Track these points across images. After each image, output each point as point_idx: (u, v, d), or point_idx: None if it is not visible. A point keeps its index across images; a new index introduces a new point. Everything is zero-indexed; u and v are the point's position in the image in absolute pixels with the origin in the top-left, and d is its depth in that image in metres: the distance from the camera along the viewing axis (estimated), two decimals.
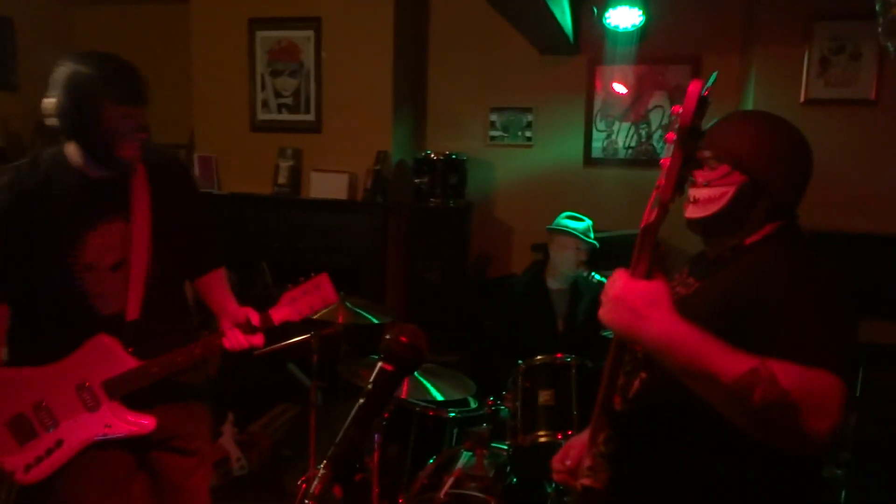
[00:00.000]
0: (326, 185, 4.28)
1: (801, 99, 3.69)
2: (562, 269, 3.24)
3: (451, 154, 4.24)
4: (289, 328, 3.19)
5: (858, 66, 3.61)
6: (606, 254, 3.55)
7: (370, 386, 1.09)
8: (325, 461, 1.10)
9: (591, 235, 3.24)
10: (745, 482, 1.30)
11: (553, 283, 3.30)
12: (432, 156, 4.22)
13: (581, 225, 3.22)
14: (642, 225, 1.19)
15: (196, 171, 4.55)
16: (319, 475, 1.09)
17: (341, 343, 3.27)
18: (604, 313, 1.22)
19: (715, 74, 1.25)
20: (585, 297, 3.25)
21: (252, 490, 3.48)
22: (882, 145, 3.64)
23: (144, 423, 1.85)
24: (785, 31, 3.74)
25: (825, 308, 1.22)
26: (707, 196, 1.40)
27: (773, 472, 1.28)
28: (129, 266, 1.84)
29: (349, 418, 1.11)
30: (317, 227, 4.27)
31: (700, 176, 1.41)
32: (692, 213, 1.43)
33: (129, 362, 1.82)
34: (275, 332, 2.10)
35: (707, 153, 1.41)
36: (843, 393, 1.10)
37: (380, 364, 1.12)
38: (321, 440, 2.74)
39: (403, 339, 1.10)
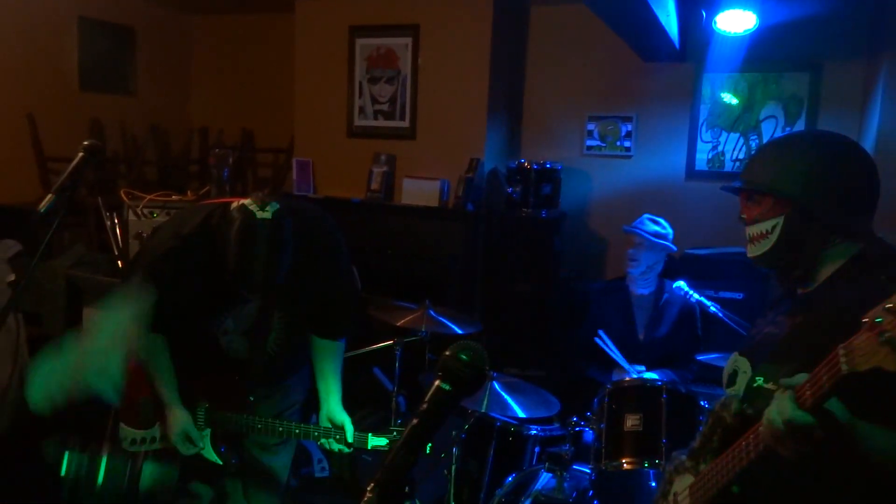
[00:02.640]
0: (418, 192, 4.28)
1: None
2: (631, 271, 3.10)
3: (544, 163, 4.14)
4: (377, 333, 3.21)
5: None
6: (711, 272, 3.37)
7: (425, 405, 1.02)
8: (371, 484, 1.05)
9: (666, 241, 3.08)
10: None
11: (635, 289, 3.15)
12: (525, 164, 4.14)
13: (653, 226, 3.08)
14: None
15: (294, 174, 4.67)
16: (366, 499, 1.04)
17: (425, 352, 3.25)
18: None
19: None
20: (672, 305, 3.07)
21: (332, 492, 3.50)
22: None
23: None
24: None
25: None
26: (759, 233, 1.40)
27: None
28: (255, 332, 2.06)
29: (401, 438, 1.05)
30: (407, 234, 4.28)
31: (747, 213, 1.42)
32: (751, 252, 1.44)
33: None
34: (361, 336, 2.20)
35: (748, 187, 1.41)
36: None
37: (437, 382, 1.05)
38: None
39: (463, 356, 1.03)
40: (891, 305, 0.96)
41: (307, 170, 4.67)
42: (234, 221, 1.79)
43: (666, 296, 3.10)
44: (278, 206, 1.82)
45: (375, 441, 2.05)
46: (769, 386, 1.31)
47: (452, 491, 2.61)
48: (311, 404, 2.32)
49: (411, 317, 3.07)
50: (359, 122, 4.55)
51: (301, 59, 4.70)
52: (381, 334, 3.14)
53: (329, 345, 2.19)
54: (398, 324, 3.05)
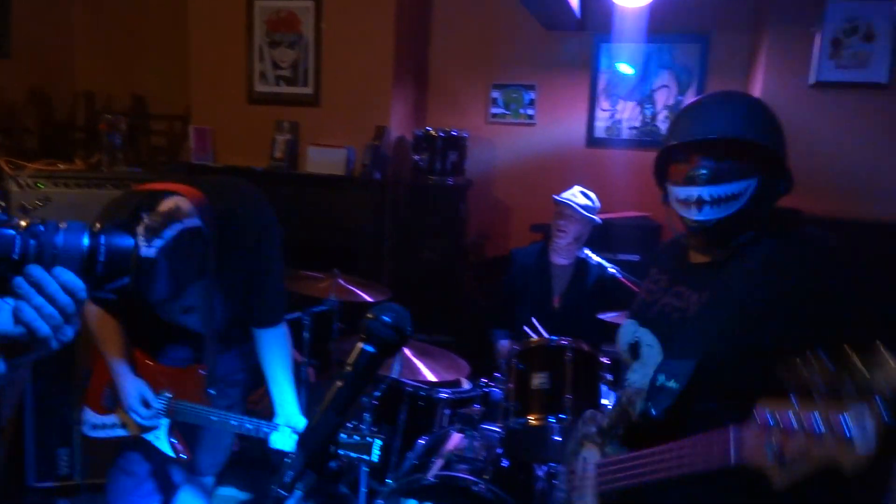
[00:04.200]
0: (323, 160, 4.20)
1: (811, 81, 3.59)
2: (558, 241, 3.17)
3: (451, 131, 4.16)
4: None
5: (872, 48, 3.51)
6: (608, 236, 3.50)
7: (349, 368, 1.03)
8: (296, 446, 1.05)
9: (594, 214, 3.17)
10: None
11: (556, 258, 3.24)
12: (432, 132, 4.14)
13: (583, 199, 3.16)
14: None
15: (192, 142, 4.48)
16: (290, 461, 1.04)
17: (334, 321, 3.23)
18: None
19: None
20: (589, 276, 3.19)
21: (241, 465, 3.45)
22: (893, 130, 3.54)
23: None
24: (797, 9, 3.63)
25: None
26: (726, 194, 1.25)
27: None
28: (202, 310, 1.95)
29: (325, 401, 1.05)
30: (313, 203, 4.20)
31: (710, 170, 1.26)
32: (707, 214, 1.27)
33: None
34: None
35: (718, 145, 1.27)
36: None
37: (360, 345, 1.05)
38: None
39: (385, 318, 1.04)
40: (778, 422, 0.95)
41: (206, 138, 4.48)
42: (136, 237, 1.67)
43: (585, 266, 3.19)
44: (175, 232, 1.62)
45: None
46: (671, 385, 1.29)
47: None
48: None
49: (319, 286, 3.04)
50: (259, 87, 4.39)
51: (195, 22, 4.47)
52: (288, 305, 3.10)
53: (270, 337, 2.08)
54: (306, 294, 3.01)
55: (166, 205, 1.66)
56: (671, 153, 1.36)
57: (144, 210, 1.63)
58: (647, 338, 1.41)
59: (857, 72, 3.53)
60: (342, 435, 1.54)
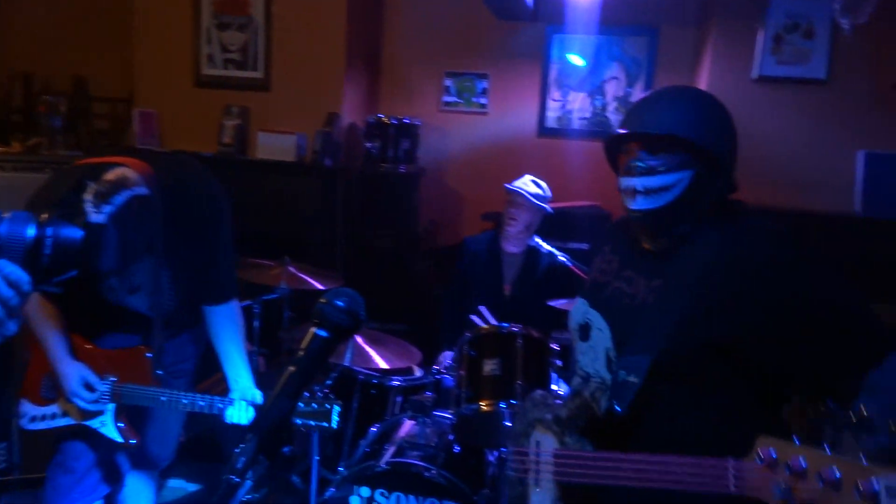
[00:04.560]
0: (274, 146, 4.14)
1: (754, 75, 3.70)
2: (509, 229, 3.20)
3: (403, 118, 4.14)
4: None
5: (811, 45, 3.63)
6: (558, 225, 3.54)
7: (302, 352, 1.02)
8: (249, 431, 1.04)
9: (545, 203, 3.20)
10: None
11: (507, 246, 3.26)
12: (384, 119, 4.12)
13: (534, 188, 3.18)
14: None
15: (136, 126, 4.35)
16: (243, 446, 1.03)
17: (284, 309, 3.19)
18: None
19: None
20: (540, 264, 3.22)
21: (189, 457, 3.39)
22: (831, 125, 3.68)
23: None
24: (742, 6, 3.73)
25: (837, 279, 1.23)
26: (659, 185, 1.30)
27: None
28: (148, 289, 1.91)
29: (278, 387, 1.04)
30: (263, 190, 4.14)
31: (646, 162, 1.31)
32: (641, 204, 1.32)
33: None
34: None
35: (655, 137, 1.31)
36: None
37: (313, 330, 1.05)
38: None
39: (339, 303, 1.04)
40: (787, 463, 0.94)
41: (151, 122, 4.36)
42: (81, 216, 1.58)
43: (535, 254, 3.22)
44: (124, 199, 1.58)
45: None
46: (632, 380, 1.28)
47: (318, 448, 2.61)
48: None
49: (270, 274, 3.00)
50: (207, 71, 4.29)
51: (140, 1, 4.33)
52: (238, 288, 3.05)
53: (221, 314, 2.02)
54: (256, 282, 2.97)
55: (113, 174, 1.61)
56: (619, 143, 1.40)
57: (89, 180, 1.58)
58: (598, 321, 1.42)
59: (797, 67, 3.65)
60: (300, 404, 1.52)
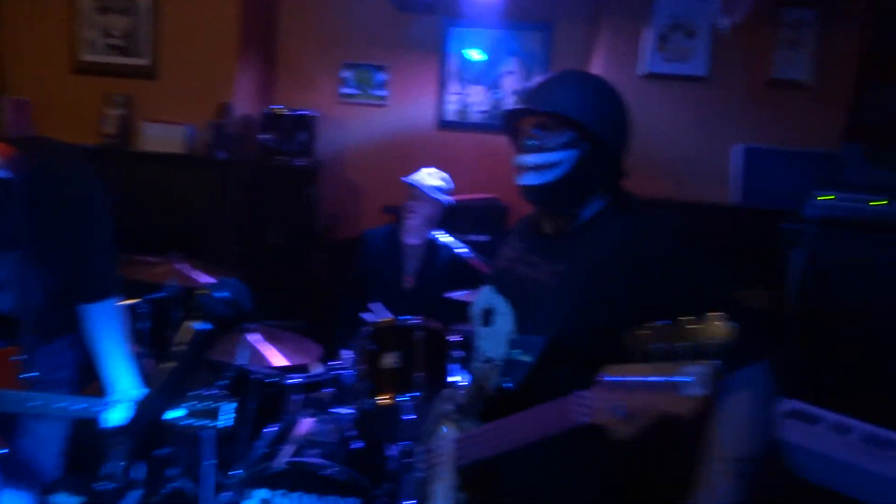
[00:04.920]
0: (161, 138, 3.93)
1: (641, 72, 3.86)
2: (409, 222, 3.19)
3: (300, 110, 4.05)
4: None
5: (693, 44, 3.83)
6: (459, 218, 3.56)
7: (183, 347, 0.97)
8: (122, 434, 0.98)
9: (444, 195, 3.21)
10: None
11: (408, 239, 3.25)
12: (280, 111, 4.01)
13: (431, 180, 3.18)
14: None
15: (7, 115, 4.02)
16: (117, 450, 0.97)
17: (173, 308, 3.05)
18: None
19: None
20: (440, 256, 3.23)
21: (72, 469, 3.18)
22: (711, 119, 3.90)
23: None
24: (630, 5, 3.87)
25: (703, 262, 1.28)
26: (545, 162, 1.35)
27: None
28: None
29: (155, 384, 0.98)
30: (150, 183, 3.93)
31: (536, 140, 1.36)
32: (529, 179, 1.37)
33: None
34: None
35: (542, 116, 1.37)
36: None
37: (193, 323, 0.99)
38: None
39: (221, 294, 0.99)
40: (622, 383, 1.03)
41: (24, 110, 4.04)
42: None
43: (435, 247, 3.21)
44: None
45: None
46: (525, 359, 1.34)
47: (212, 451, 2.51)
48: None
49: (157, 272, 2.85)
50: (87, 57, 4.02)
51: None
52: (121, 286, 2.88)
53: (99, 312, 1.86)
54: (143, 280, 2.82)
55: None
56: (515, 121, 1.46)
57: None
58: (502, 306, 1.45)
59: (680, 65, 3.84)
60: (186, 403, 1.44)
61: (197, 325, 0.98)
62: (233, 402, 1.45)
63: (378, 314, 2.78)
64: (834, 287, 2.82)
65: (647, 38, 3.83)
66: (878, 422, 1.72)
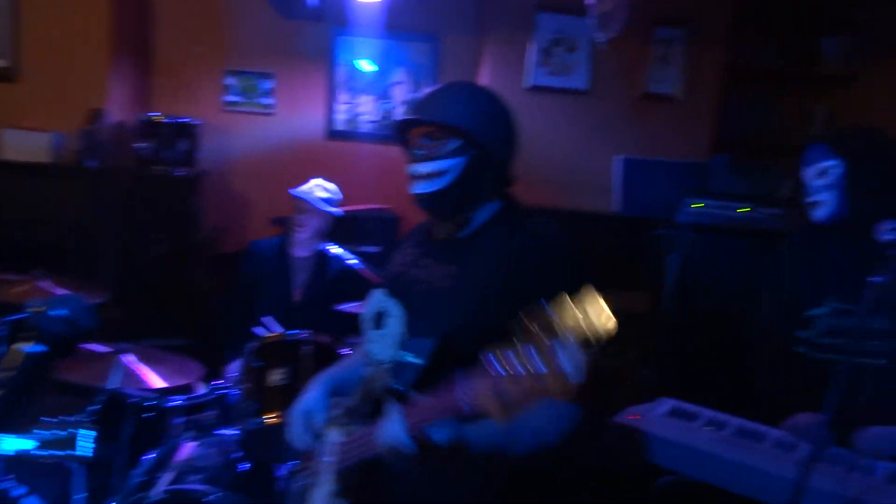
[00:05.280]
0: (24, 146, 3.64)
1: (526, 85, 3.96)
2: (298, 235, 3.12)
3: (180, 118, 3.86)
4: None
5: (575, 58, 3.97)
6: (350, 229, 3.52)
7: (11, 373, 0.87)
8: None
9: (333, 206, 3.15)
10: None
11: (297, 251, 3.16)
12: (157, 118, 3.81)
13: (320, 192, 3.12)
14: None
15: None
16: None
17: (34, 333, 2.81)
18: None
19: None
20: (329, 268, 3.16)
21: None
22: (593, 131, 4.05)
23: None
24: (513, 18, 3.97)
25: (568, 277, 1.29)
26: (433, 171, 1.39)
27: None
28: None
29: None
30: (11, 195, 3.62)
31: (426, 149, 1.40)
32: (419, 189, 1.41)
33: None
34: None
35: (429, 126, 1.41)
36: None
37: (18, 346, 0.89)
38: None
39: (55, 312, 0.89)
40: (506, 369, 1.05)
41: None
42: None
43: (325, 258, 3.14)
44: None
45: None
46: (416, 361, 1.35)
47: (81, 482, 2.32)
48: None
49: (18, 291, 2.62)
50: None
51: None
52: None
53: None
54: (2, 300, 2.58)
55: None
56: (405, 133, 1.49)
57: None
58: (394, 308, 1.46)
59: (563, 78, 3.98)
60: (40, 433, 1.31)
61: (27, 347, 0.88)
62: (91, 428, 1.34)
63: (271, 328, 2.68)
64: (705, 287, 3.00)
65: (531, 52, 3.94)
66: (748, 414, 1.83)
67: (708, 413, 1.81)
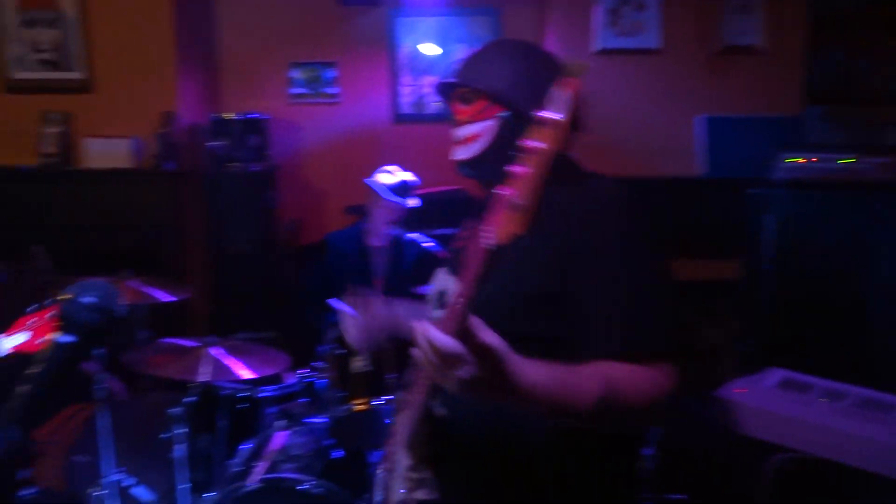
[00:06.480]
0: (105, 153, 3.76)
1: (595, 49, 3.80)
2: (373, 224, 3.10)
3: (249, 114, 3.90)
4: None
5: (644, 16, 3.78)
6: (424, 212, 3.47)
7: (39, 367, 0.83)
8: None
9: (403, 193, 3.11)
10: (571, 470, 1.25)
11: (373, 240, 3.15)
12: (228, 117, 3.86)
13: (389, 181, 3.08)
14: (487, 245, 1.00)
15: None
16: None
17: (135, 328, 2.92)
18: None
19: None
20: (407, 254, 3.13)
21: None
22: (669, 92, 3.85)
23: None
24: None
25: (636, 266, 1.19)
26: (470, 134, 1.35)
27: (598, 455, 1.25)
28: None
29: (8, 410, 0.84)
30: (99, 202, 3.76)
31: (460, 114, 1.37)
32: (459, 154, 1.38)
33: None
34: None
35: (463, 89, 1.37)
36: (671, 374, 1.11)
37: (53, 335, 0.85)
38: (122, 440, 2.39)
39: (86, 299, 0.85)
40: None
41: None
42: None
43: (402, 245, 3.12)
44: None
45: None
46: None
47: (184, 474, 2.39)
48: None
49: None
50: (18, 74, 3.82)
51: None
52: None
53: None
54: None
55: None
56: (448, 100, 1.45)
57: None
58: (454, 286, 1.38)
59: (633, 38, 3.79)
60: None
61: (60, 337, 0.84)
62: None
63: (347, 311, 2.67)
64: (807, 247, 2.78)
65: (598, 14, 3.78)
66: (864, 383, 1.67)
67: (823, 383, 1.67)
